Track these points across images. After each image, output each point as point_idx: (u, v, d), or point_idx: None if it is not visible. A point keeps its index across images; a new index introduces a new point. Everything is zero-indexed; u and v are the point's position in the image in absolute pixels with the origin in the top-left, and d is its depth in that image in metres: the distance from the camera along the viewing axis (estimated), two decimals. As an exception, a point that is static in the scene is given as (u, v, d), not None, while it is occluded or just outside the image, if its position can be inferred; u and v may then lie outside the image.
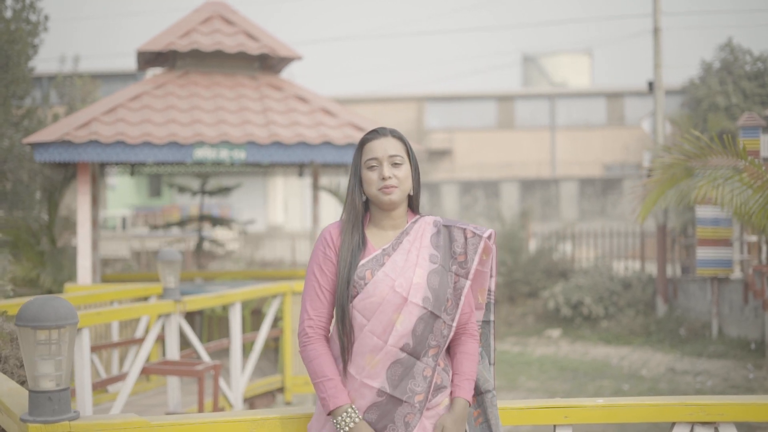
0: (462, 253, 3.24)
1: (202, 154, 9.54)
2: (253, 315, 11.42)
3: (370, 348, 3.14)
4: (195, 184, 18.54)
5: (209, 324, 11.49)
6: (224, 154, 9.58)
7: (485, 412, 3.34)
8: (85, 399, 6.30)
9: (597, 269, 17.80)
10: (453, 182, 36.38)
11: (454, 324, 3.21)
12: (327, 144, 9.80)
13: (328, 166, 11.64)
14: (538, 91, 40.83)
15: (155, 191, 35.33)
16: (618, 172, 37.50)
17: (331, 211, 25.30)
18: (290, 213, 37.42)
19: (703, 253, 14.49)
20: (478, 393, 3.35)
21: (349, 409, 3.10)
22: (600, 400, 3.64)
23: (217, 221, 14.56)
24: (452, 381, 3.24)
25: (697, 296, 15.89)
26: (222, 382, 7.93)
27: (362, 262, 3.20)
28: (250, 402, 9.08)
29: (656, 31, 17.59)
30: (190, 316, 10.99)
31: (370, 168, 3.23)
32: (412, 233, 3.27)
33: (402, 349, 3.13)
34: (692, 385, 12.26)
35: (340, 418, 3.10)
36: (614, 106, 39.06)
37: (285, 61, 11.18)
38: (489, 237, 3.29)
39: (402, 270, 3.17)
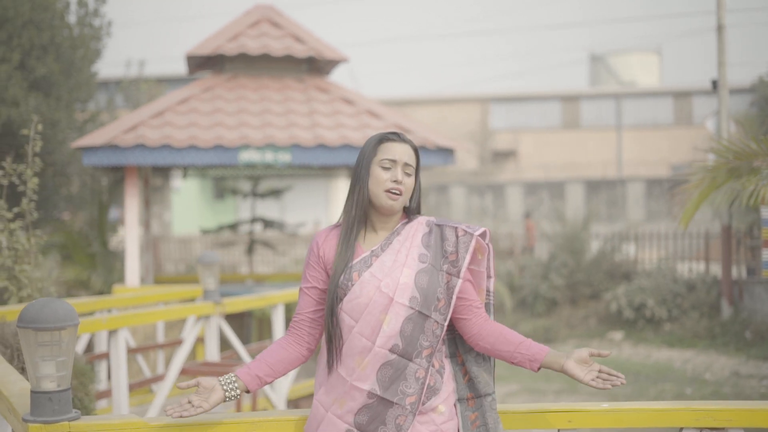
0: (453, 252, 3.20)
1: (248, 156, 9.61)
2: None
3: (359, 350, 3.12)
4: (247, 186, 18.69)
5: (260, 326, 11.56)
6: (269, 157, 9.64)
7: (484, 416, 3.29)
8: (121, 399, 6.38)
9: (660, 271, 17.49)
10: (518, 183, 36.13)
11: (446, 324, 3.17)
12: (372, 146, 9.79)
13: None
14: (603, 91, 40.35)
15: (220, 194, 35.68)
16: (683, 173, 36.91)
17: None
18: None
19: (768, 254, 14.16)
20: (477, 396, 3.30)
21: (233, 376, 3.19)
22: (605, 405, 3.55)
23: (268, 223, 14.67)
24: (526, 348, 3.19)
25: (763, 298, 15.52)
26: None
27: (351, 264, 3.19)
28: (294, 403, 9.11)
29: (720, 28, 17.22)
30: (239, 318, 11.08)
31: (384, 168, 3.20)
32: (404, 233, 3.25)
33: (391, 351, 3.10)
34: (757, 389, 12.00)
35: (223, 378, 3.18)
36: (682, 106, 38.41)
37: (332, 63, 11.21)
38: (483, 236, 3.25)
39: (389, 270, 3.15)
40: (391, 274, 3.14)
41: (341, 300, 3.16)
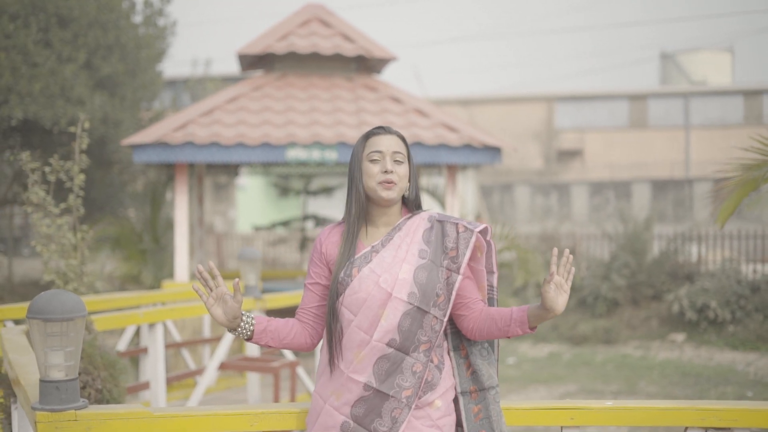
0: (453, 248, 3.21)
1: (294, 154, 9.70)
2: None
3: (357, 343, 3.16)
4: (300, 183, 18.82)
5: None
6: (316, 155, 9.71)
7: (487, 408, 3.30)
8: (158, 392, 6.50)
9: (724, 272, 17.18)
10: (583, 183, 35.76)
11: (446, 319, 3.19)
12: (417, 144, 9.82)
13: (419, 166, 11.63)
14: (671, 90, 39.74)
15: (284, 192, 35.95)
16: (724, 170, 36.16)
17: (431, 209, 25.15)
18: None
19: (833, 255, 13.86)
20: (481, 389, 3.30)
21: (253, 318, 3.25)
22: (608, 403, 3.53)
23: (320, 221, 14.76)
24: (516, 317, 3.17)
25: (829, 301, 15.20)
26: (307, 379, 8.02)
27: (351, 259, 3.23)
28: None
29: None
30: (286, 314, 11.15)
31: (372, 161, 3.24)
32: (405, 229, 3.27)
33: (388, 345, 3.13)
34: (821, 394, 11.76)
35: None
36: (752, 105, 37.62)
37: (382, 62, 11.24)
38: (483, 232, 3.25)
39: (389, 266, 3.18)
40: (390, 270, 3.17)
41: (341, 295, 3.21)
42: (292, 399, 7.50)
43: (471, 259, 3.28)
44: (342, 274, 3.21)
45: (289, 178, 19.87)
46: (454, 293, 3.19)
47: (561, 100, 39.74)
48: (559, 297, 3.06)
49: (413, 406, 3.15)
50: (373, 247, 3.25)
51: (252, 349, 7.56)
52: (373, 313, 3.15)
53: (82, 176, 7.46)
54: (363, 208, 3.29)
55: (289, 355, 8.03)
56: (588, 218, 32.18)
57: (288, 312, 11.48)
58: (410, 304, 3.13)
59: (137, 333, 8.64)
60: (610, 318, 17.58)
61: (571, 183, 36.01)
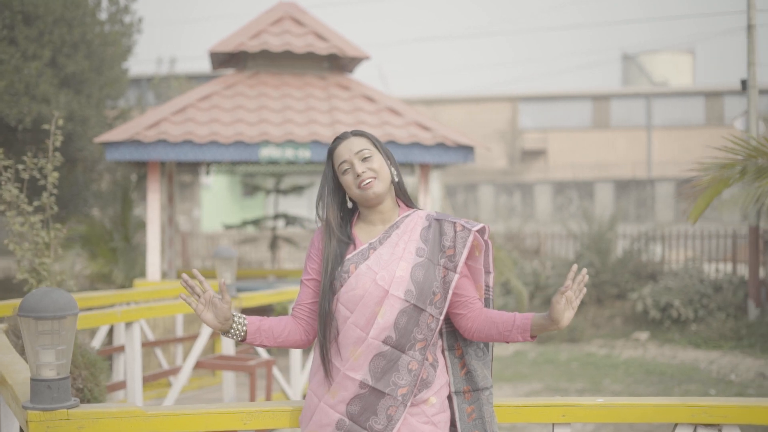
0: (451, 246, 3.22)
1: (268, 153, 9.68)
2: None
3: (353, 340, 3.17)
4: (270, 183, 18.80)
5: (281, 321, 11.61)
6: (289, 153, 9.70)
7: (480, 409, 3.32)
8: (135, 390, 6.45)
9: (687, 271, 17.38)
10: (546, 183, 35.96)
11: (442, 317, 3.20)
12: (391, 143, 9.83)
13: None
14: (634, 91, 40.09)
15: (249, 191, 35.87)
16: (697, 169, 36.54)
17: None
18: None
19: (795, 255, 14.04)
20: (475, 389, 3.32)
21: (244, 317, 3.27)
22: (600, 400, 3.56)
23: (290, 220, 14.74)
24: (518, 323, 3.16)
25: (791, 300, 15.41)
26: (282, 378, 8.01)
27: (348, 256, 3.24)
28: (312, 398, 9.14)
29: (750, 28, 17.09)
30: (259, 313, 11.14)
31: (344, 172, 3.25)
32: (402, 226, 3.28)
33: (384, 342, 3.14)
34: (783, 391, 11.93)
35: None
36: (713, 106, 38.05)
37: (354, 61, 11.25)
38: (481, 232, 3.26)
39: (386, 263, 3.19)
40: (388, 267, 3.18)
41: (337, 291, 3.21)
42: (268, 398, 7.48)
43: (469, 257, 3.30)
44: (339, 271, 3.21)
45: (255, 177, 19.83)
46: (450, 292, 3.21)
47: (525, 101, 39.93)
48: (566, 311, 3.07)
49: (409, 404, 3.16)
50: (370, 244, 3.26)
51: (227, 348, 7.53)
52: (369, 310, 3.16)
53: (56, 174, 7.41)
54: (332, 227, 3.30)
55: (264, 353, 8.02)
56: (551, 218, 32.39)
57: (262, 311, 11.49)
58: (407, 301, 3.15)
59: (109, 332, 8.57)
60: (574, 317, 17.66)
61: (535, 183, 36.19)
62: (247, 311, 9.38)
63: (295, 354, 8.38)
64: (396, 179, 3.31)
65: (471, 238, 3.22)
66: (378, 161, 3.24)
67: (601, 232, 18.63)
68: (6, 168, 7.32)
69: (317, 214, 3.35)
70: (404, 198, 3.37)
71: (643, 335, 16.53)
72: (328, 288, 3.22)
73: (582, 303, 17.92)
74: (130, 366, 6.43)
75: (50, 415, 3.29)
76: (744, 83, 17.13)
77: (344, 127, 9.99)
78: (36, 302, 3.25)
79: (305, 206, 31.12)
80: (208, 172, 12.86)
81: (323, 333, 3.24)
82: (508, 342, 3.22)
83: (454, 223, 3.26)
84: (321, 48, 10.84)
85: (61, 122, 7.70)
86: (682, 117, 38.52)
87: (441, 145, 10.02)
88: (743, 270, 18.10)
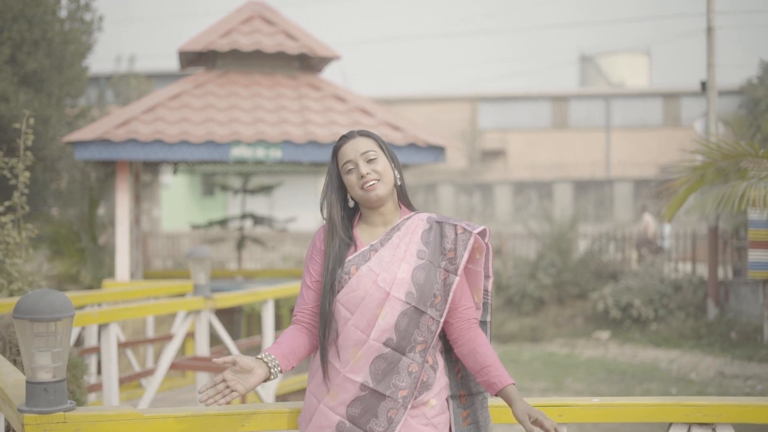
0: (452, 249, 3.23)
1: (239, 152, 9.64)
2: (292, 313, 11.50)
3: (353, 342, 3.16)
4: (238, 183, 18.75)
5: (249, 321, 11.58)
6: (260, 153, 9.67)
7: (475, 413, 3.33)
8: (111, 392, 6.40)
9: (647, 271, 17.58)
10: (506, 183, 36.19)
11: (442, 320, 3.20)
12: (363, 143, 9.83)
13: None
14: (592, 92, 40.42)
15: (208, 190, 35.69)
16: (669, 172, 36.95)
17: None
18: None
19: (755, 255, 14.21)
20: (469, 394, 3.33)
21: (270, 355, 3.16)
22: (596, 399, 3.60)
23: (258, 220, 14.70)
24: (488, 374, 3.18)
25: (749, 299, 15.62)
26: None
27: (349, 257, 3.23)
28: (283, 399, 9.13)
29: (710, 30, 17.32)
30: (229, 313, 11.10)
31: (348, 172, 3.26)
32: (404, 229, 3.28)
33: (385, 344, 3.14)
34: (742, 389, 12.05)
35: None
36: (671, 107, 38.50)
37: (324, 60, 11.24)
38: (482, 234, 3.27)
39: (388, 265, 3.19)
40: (389, 269, 3.18)
41: (338, 293, 3.20)
42: (243, 399, 7.43)
43: (469, 260, 3.30)
44: (339, 272, 3.20)
45: (216, 177, 19.74)
46: (451, 294, 3.21)
47: (484, 101, 40.09)
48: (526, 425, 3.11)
49: (409, 406, 3.16)
50: (372, 245, 3.25)
51: (201, 349, 7.48)
52: (370, 312, 3.15)
53: (27, 174, 7.32)
54: (336, 226, 3.29)
55: (237, 353, 7.99)
56: (511, 217, 32.62)
57: (232, 312, 11.45)
58: (408, 303, 3.14)
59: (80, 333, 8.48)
60: (536, 316, 17.83)
61: (495, 183, 36.40)
62: (219, 312, 9.37)
63: (268, 354, 8.35)
64: (399, 182, 3.32)
65: (472, 241, 3.23)
66: (382, 163, 3.25)
67: (562, 232, 18.79)
68: (-25, 168, 7.23)
69: (321, 212, 3.34)
70: (406, 201, 3.37)
71: (604, 334, 16.69)
72: (329, 288, 3.21)
73: (543, 302, 18.05)
74: (106, 367, 6.38)
75: (47, 419, 3.25)
76: (703, 85, 17.35)
77: (316, 127, 9.98)
78: (32, 304, 3.20)
79: (268, 206, 31.00)
80: (175, 172, 12.77)
81: (323, 334, 3.23)
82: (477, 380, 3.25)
83: (455, 225, 3.27)
84: (291, 47, 10.82)
85: (32, 121, 7.61)
86: (640, 118, 38.92)
87: (412, 146, 10.04)
88: (702, 270, 18.34)
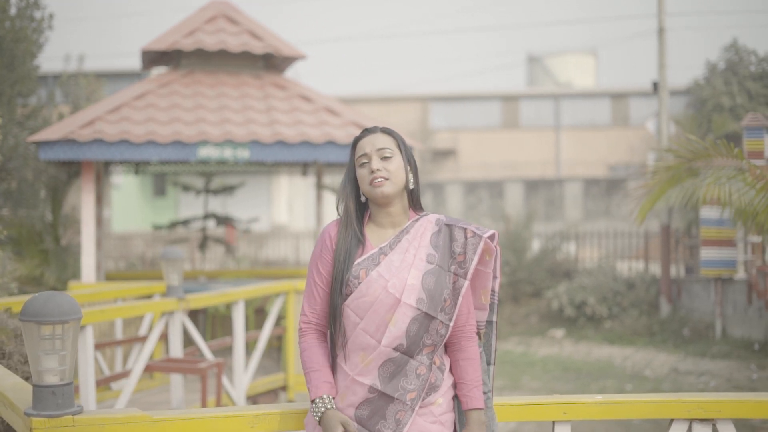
0: (461, 252, 3.24)
1: (206, 152, 9.59)
2: (257, 314, 11.46)
3: (363, 346, 3.16)
4: (199, 182, 18.61)
5: (213, 322, 11.53)
6: (228, 153, 9.63)
7: None
8: (88, 395, 6.34)
9: (601, 269, 17.78)
10: (457, 182, 36.34)
11: (452, 323, 3.21)
12: (330, 143, 9.84)
13: (332, 165, 11.67)
14: (542, 92, 40.75)
15: (160, 190, 35.35)
16: (622, 173, 37.41)
17: (335, 210, 25.15)
18: (294, 212, 37.47)
19: (707, 253, 14.46)
20: None
21: (324, 396, 3.16)
22: (599, 397, 3.66)
23: (221, 220, 14.63)
24: (459, 390, 3.25)
25: (701, 297, 15.87)
26: (225, 380, 7.95)
27: (358, 260, 3.22)
28: (253, 400, 9.11)
29: (661, 31, 17.58)
30: (193, 315, 11.02)
31: (362, 165, 3.26)
32: (413, 232, 3.28)
33: (395, 349, 3.15)
34: (695, 385, 12.23)
35: (314, 404, 3.16)
36: (619, 107, 38.97)
37: (289, 60, 11.21)
38: (491, 238, 3.28)
39: (397, 270, 3.18)
40: (399, 275, 3.17)
41: (347, 297, 3.19)
42: (219, 401, 7.42)
43: (479, 262, 3.31)
44: (349, 276, 3.20)
45: (170, 176, 19.56)
46: (460, 298, 3.22)
47: (435, 101, 40.23)
48: None
49: (417, 408, 3.17)
50: (381, 248, 3.25)
51: (175, 350, 7.43)
52: (380, 317, 3.15)
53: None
54: (352, 218, 3.29)
55: (211, 356, 7.95)
56: (463, 216, 32.70)
57: (197, 313, 11.37)
58: (419, 309, 3.15)
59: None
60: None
61: (446, 182, 36.53)
62: (192, 313, 9.30)
63: (238, 356, 8.34)
64: (411, 186, 3.31)
65: (482, 245, 3.25)
66: (396, 164, 3.24)
67: (517, 231, 18.91)
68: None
69: (337, 208, 3.34)
70: (417, 205, 3.38)
71: (559, 332, 16.85)
72: (338, 284, 3.20)
73: (498, 301, 18.18)
74: (83, 370, 6.31)
75: (56, 422, 3.22)
76: (655, 85, 17.59)
77: (283, 127, 9.95)
78: (39, 307, 3.18)
79: (221, 206, 30.74)
80: (137, 172, 12.66)
81: (333, 336, 3.24)
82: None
83: (465, 228, 3.28)
84: (256, 47, 10.78)
85: (0, 120, 7.49)
86: (589, 118, 39.32)
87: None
88: (655, 268, 18.61)
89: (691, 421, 3.63)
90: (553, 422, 3.64)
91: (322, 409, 3.14)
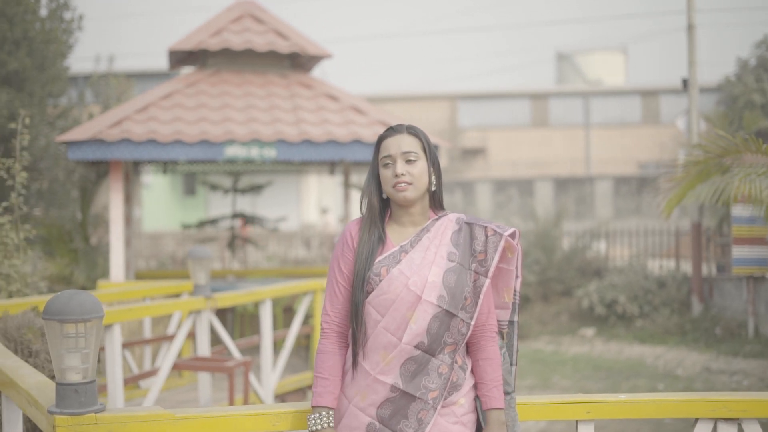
0: (482, 251, 3.22)
1: (233, 152, 9.61)
2: (285, 312, 11.48)
3: (384, 344, 3.15)
4: (227, 182, 18.72)
5: (241, 321, 11.56)
6: (255, 152, 9.64)
7: None
8: (116, 394, 6.37)
9: (631, 268, 17.65)
10: (487, 181, 36.24)
11: (473, 322, 3.19)
12: (357, 142, 9.83)
13: (359, 164, 11.67)
14: (572, 89, 40.53)
15: (190, 190, 35.50)
16: (653, 171, 37.14)
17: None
18: (324, 211, 37.51)
19: (738, 251, 14.33)
20: None
21: (323, 412, 3.18)
22: (622, 396, 3.62)
23: (249, 219, 14.67)
24: (479, 390, 3.24)
25: (733, 295, 15.73)
26: (253, 379, 7.96)
27: (379, 258, 3.21)
28: (281, 398, 9.12)
29: (690, 28, 17.42)
30: (221, 313, 11.06)
31: (385, 166, 3.24)
32: (433, 230, 3.26)
33: (416, 347, 3.13)
34: (728, 384, 12.13)
35: (313, 416, 3.19)
36: (649, 104, 38.70)
37: (315, 59, 11.22)
38: (512, 236, 3.26)
39: (418, 268, 3.17)
40: (420, 272, 3.16)
41: (368, 294, 3.19)
42: (246, 399, 7.43)
43: (501, 259, 3.30)
44: (370, 273, 3.19)
45: (196, 176, 19.65)
46: (482, 297, 3.20)
47: (464, 99, 40.14)
48: None
49: (439, 407, 3.16)
50: (402, 246, 3.24)
51: (203, 349, 7.46)
52: (401, 315, 3.14)
53: (24, 174, 7.28)
54: (376, 215, 3.29)
55: (239, 354, 7.97)
56: (493, 215, 32.62)
57: (229, 311, 11.42)
58: (439, 307, 3.14)
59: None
60: (521, 314, 17.87)
61: (475, 181, 36.44)
62: (220, 312, 9.32)
63: (266, 354, 8.34)
64: (434, 188, 3.30)
65: (503, 243, 3.23)
66: (420, 167, 3.22)
67: (546, 229, 18.82)
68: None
69: (361, 205, 3.33)
70: (438, 206, 3.36)
71: (590, 331, 16.75)
72: (360, 282, 3.19)
73: (528, 300, 18.11)
74: (110, 369, 6.34)
75: (78, 420, 3.23)
76: (685, 82, 17.43)
77: (310, 126, 9.96)
78: (62, 305, 3.19)
79: (250, 205, 30.85)
80: (165, 171, 12.72)
81: (355, 334, 3.22)
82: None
83: (485, 227, 3.26)
84: (282, 46, 10.80)
85: (28, 120, 7.57)
86: (619, 115, 39.09)
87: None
88: (686, 266, 18.45)
89: (716, 420, 3.58)
90: (576, 421, 3.61)
91: (318, 426, 3.17)
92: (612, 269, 18.16)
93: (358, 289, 3.20)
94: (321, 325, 3.31)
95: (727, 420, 3.58)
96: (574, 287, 17.92)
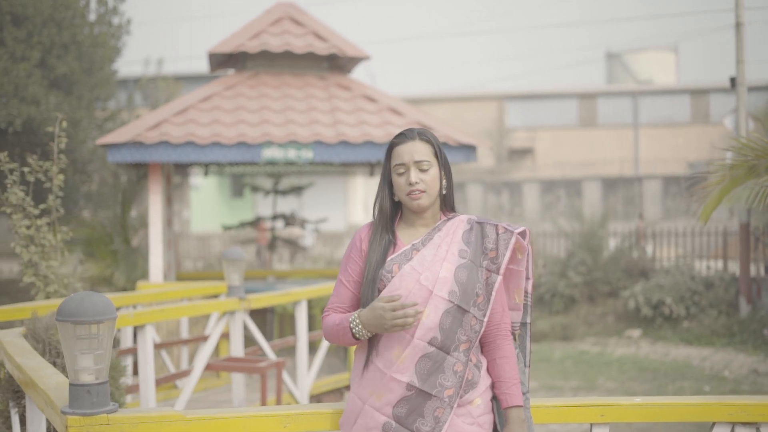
0: (493, 248, 3.24)
1: (270, 153, 9.67)
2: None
3: (397, 341, 3.16)
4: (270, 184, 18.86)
5: (281, 321, 11.61)
6: (292, 154, 9.70)
7: None
8: (148, 393, 6.43)
9: (678, 269, 17.44)
10: (534, 181, 36.03)
11: (485, 319, 3.20)
12: (394, 143, 9.83)
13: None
14: (620, 89, 40.18)
15: (237, 191, 35.78)
16: (703, 170, 36.63)
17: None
18: (370, 211, 37.63)
19: (786, 252, 14.11)
20: None
21: (354, 315, 3.19)
22: (638, 399, 3.58)
23: (289, 220, 14.75)
24: (497, 389, 3.24)
25: (782, 296, 15.49)
26: (288, 379, 8.00)
27: (391, 257, 3.24)
28: (317, 399, 9.15)
29: (738, 26, 17.15)
30: (261, 314, 11.13)
31: (399, 174, 3.27)
32: (444, 229, 3.29)
33: (430, 343, 3.14)
34: (776, 387, 11.98)
35: (352, 323, 3.18)
36: (699, 103, 38.23)
37: (354, 60, 11.24)
38: (523, 235, 3.27)
39: (430, 264, 3.19)
40: (431, 268, 3.19)
41: (380, 292, 3.21)
42: (279, 400, 7.47)
43: (511, 260, 3.31)
44: (382, 271, 3.21)
45: (244, 178, 19.79)
46: (494, 294, 3.21)
47: (511, 99, 39.97)
48: None
49: (455, 405, 3.16)
50: (413, 245, 3.27)
51: (237, 350, 7.51)
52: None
53: (61, 176, 7.38)
54: (387, 220, 3.32)
55: (272, 355, 8.01)
56: (540, 216, 32.51)
57: (264, 312, 11.48)
58: (451, 302, 3.15)
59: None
60: (567, 315, 17.75)
61: (523, 181, 36.27)
62: (252, 313, 9.36)
63: (302, 355, 8.38)
64: (444, 192, 3.32)
65: (513, 240, 3.24)
66: (433, 174, 3.26)
67: (592, 230, 18.67)
68: (11, 171, 7.28)
69: (374, 208, 3.36)
70: (448, 208, 3.38)
71: (636, 333, 16.59)
72: (372, 281, 3.22)
73: (574, 301, 17.98)
74: (143, 369, 6.41)
75: (90, 420, 3.27)
76: (733, 81, 17.17)
77: (347, 128, 9.98)
78: (75, 307, 3.23)
79: (297, 207, 31.01)
80: (206, 173, 12.83)
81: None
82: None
83: (496, 225, 3.28)
84: (321, 48, 10.84)
85: (64, 124, 7.68)
86: (669, 115, 38.66)
87: (444, 145, 10.04)
88: (734, 267, 18.18)
89: (733, 424, 3.53)
90: (591, 424, 3.58)
91: (356, 314, 3.18)
92: (659, 270, 17.95)
93: (369, 292, 3.22)
94: (323, 314, 3.36)
95: (745, 424, 3.52)
96: (620, 288, 17.75)
